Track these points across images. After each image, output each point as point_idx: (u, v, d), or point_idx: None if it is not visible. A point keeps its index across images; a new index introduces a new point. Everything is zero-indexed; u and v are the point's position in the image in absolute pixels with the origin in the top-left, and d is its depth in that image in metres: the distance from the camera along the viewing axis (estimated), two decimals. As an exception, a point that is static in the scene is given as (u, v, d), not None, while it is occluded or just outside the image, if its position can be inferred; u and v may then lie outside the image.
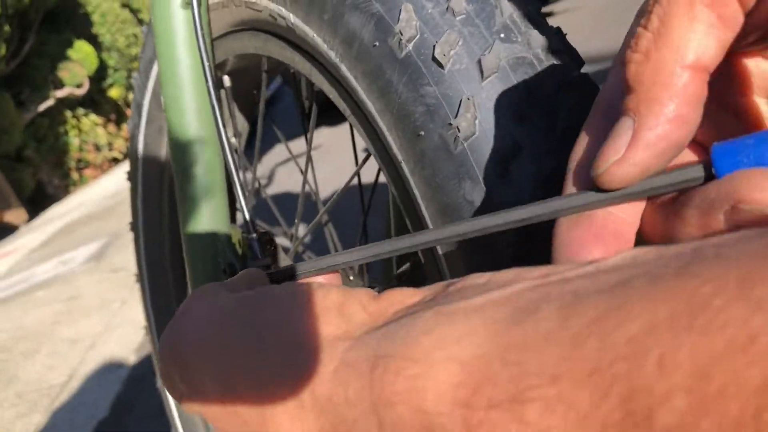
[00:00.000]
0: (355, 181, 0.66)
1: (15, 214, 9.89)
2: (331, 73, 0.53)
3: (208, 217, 0.62)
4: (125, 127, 14.93)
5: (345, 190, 0.62)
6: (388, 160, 0.49)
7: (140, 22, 15.75)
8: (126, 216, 5.46)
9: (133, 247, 0.98)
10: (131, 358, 2.37)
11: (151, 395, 2.01)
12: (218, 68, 0.69)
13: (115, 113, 14.68)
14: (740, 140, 0.21)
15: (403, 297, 0.22)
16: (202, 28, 0.55)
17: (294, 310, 0.22)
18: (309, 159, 0.63)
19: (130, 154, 0.91)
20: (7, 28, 9.48)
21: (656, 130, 0.21)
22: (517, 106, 0.39)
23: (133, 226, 0.97)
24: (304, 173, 0.67)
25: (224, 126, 0.57)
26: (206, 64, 0.56)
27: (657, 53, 0.21)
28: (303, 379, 0.20)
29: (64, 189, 11.98)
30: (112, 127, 14.27)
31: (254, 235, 0.56)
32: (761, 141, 0.20)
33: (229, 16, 0.62)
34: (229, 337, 0.23)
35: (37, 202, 10.96)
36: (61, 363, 2.60)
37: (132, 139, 0.89)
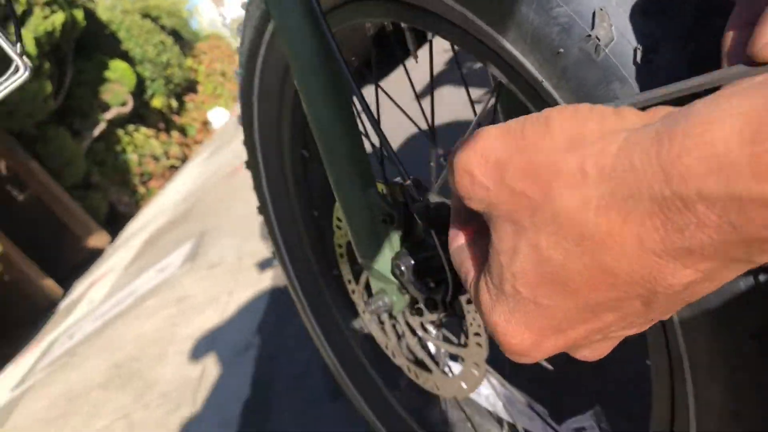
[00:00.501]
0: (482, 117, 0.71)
1: (98, 239, 10.36)
2: (453, 22, 0.58)
3: (357, 177, 0.69)
4: (175, 135, 15.31)
5: (473, 128, 0.67)
6: (523, 83, 0.54)
7: (162, 28, 15.95)
8: (205, 216, 5.67)
9: (267, 229, 1.06)
10: (255, 341, 2.51)
11: (286, 369, 2.15)
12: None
13: (162, 122, 15.05)
14: None
15: (667, 109, 0.27)
16: (322, 14, 0.61)
17: (577, 112, 0.28)
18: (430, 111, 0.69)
19: (248, 144, 0.99)
20: (47, 65, 9.80)
21: None
22: (646, 3, 0.44)
23: (262, 209, 1.05)
24: (431, 120, 0.73)
25: (359, 92, 0.64)
26: (330, 38, 0.62)
27: None
28: (589, 155, 0.25)
29: (134, 204, 12.44)
30: (163, 136, 14.65)
31: (409, 182, 0.63)
32: None
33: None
34: (520, 135, 0.28)
35: (113, 223, 11.45)
36: (190, 359, 2.78)
37: (246, 129, 0.97)
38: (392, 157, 0.65)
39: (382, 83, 0.75)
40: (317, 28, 0.63)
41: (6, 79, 0.69)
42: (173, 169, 14.20)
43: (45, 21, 9.63)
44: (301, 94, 0.66)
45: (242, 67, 0.90)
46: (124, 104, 12.82)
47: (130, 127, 13.40)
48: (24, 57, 0.69)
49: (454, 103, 2.68)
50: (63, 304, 7.82)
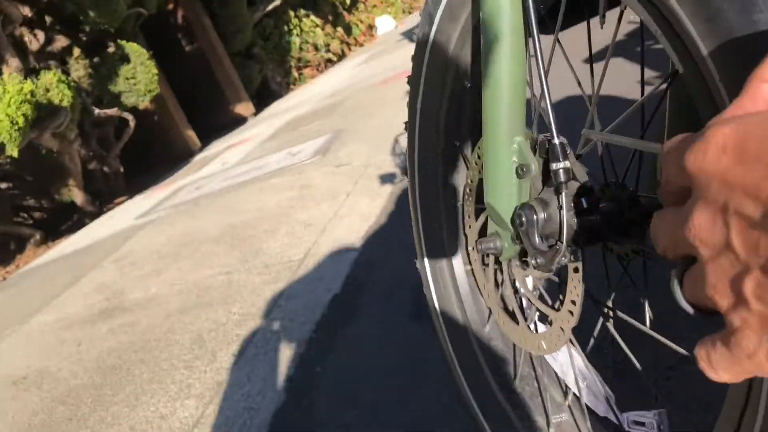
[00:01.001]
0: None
1: (244, 107, 10.89)
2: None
3: (508, 120, 0.71)
4: (341, 30, 15.53)
5: (635, 108, 0.68)
6: (698, 80, 0.54)
7: None
8: (346, 116, 5.82)
9: (407, 146, 1.11)
10: (359, 244, 2.63)
11: (379, 279, 2.25)
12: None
13: (332, 14, 15.28)
14: None
15: None
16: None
17: None
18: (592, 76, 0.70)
19: (415, 59, 1.02)
20: (244, -70, 10.11)
21: None
22: None
23: (409, 126, 1.10)
24: (593, 97, 0.74)
25: (538, 40, 0.65)
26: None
27: None
28: None
29: (285, 86, 12.88)
30: (329, 28, 14.91)
31: (556, 141, 0.65)
32: None
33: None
34: None
35: (262, 97, 11.95)
36: (298, 242, 2.95)
37: (419, 45, 1.00)
38: (548, 112, 0.67)
39: (564, 38, 0.76)
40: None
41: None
42: (330, 63, 14.50)
43: None
44: (482, 26, 0.69)
45: (432, -15, 0.93)
46: (303, -13, 13.10)
47: (302, 12, 13.72)
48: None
49: (625, 77, 2.58)
50: (198, 157, 8.38)
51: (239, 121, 10.61)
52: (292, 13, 13.36)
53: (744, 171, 0.26)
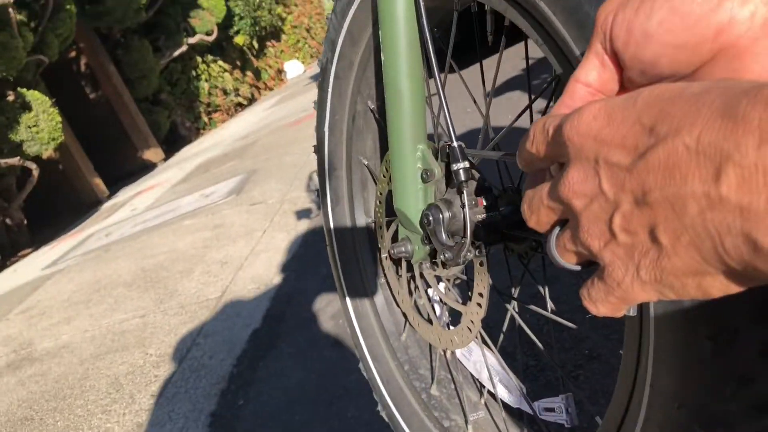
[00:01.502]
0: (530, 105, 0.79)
1: (153, 153, 10.67)
2: (527, 9, 0.65)
3: (411, 130, 0.77)
4: (250, 74, 15.56)
5: (520, 115, 0.75)
6: (570, 69, 0.61)
7: (264, -31, 16.13)
8: (258, 156, 5.82)
9: (317, 168, 1.16)
10: (277, 278, 2.63)
11: (298, 310, 2.27)
12: None
13: (240, 60, 15.31)
14: None
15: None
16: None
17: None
18: (490, 92, 0.77)
19: (321, 84, 1.08)
20: (147, -23, 10.06)
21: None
22: None
23: (318, 150, 1.14)
24: (486, 103, 0.81)
25: (433, 52, 0.72)
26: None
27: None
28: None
29: (195, 131, 12.73)
30: (237, 73, 14.91)
31: (456, 144, 0.71)
32: None
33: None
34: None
35: (171, 143, 11.76)
36: (214, 281, 2.92)
37: (323, 72, 1.06)
38: (446, 119, 0.73)
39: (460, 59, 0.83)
40: (411, -8, 0.72)
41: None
42: (240, 107, 14.47)
43: (156, -65, 9.86)
44: (382, 46, 0.75)
45: (335, 13, 0.99)
46: (209, 33, 13.08)
47: (209, 57, 13.68)
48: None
49: (515, 86, 2.73)
50: (106, 205, 8.12)
51: (148, 167, 10.38)
52: (199, 59, 13.30)
53: (611, 130, 0.32)
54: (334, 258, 1.21)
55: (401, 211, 0.81)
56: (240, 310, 2.49)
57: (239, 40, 15.23)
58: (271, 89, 16.77)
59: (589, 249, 0.34)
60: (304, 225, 3.23)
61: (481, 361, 1.00)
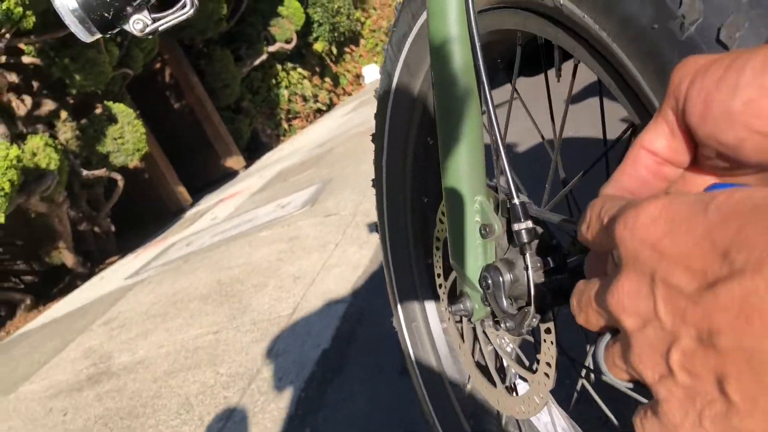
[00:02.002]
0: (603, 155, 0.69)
1: (235, 161, 10.93)
2: (600, 51, 0.56)
3: (468, 180, 0.69)
4: (328, 80, 15.73)
5: (594, 165, 0.66)
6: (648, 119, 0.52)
7: (343, -25, 16.29)
8: (334, 165, 5.84)
9: (376, 203, 1.09)
10: (348, 296, 2.59)
11: (368, 330, 2.21)
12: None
13: (319, 66, 15.50)
14: None
15: None
16: (473, 7, 0.61)
17: None
18: (556, 134, 0.68)
19: (378, 117, 1.01)
20: (228, -11, 10.32)
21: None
22: None
23: (376, 183, 1.08)
24: (555, 148, 0.72)
25: (491, 99, 0.64)
26: (475, 38, 0.63)
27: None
28: None
29: (275, 138, 12.97)
30: (316, 80, 15.09)
31: (517, 201, 0.63)
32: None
33: (492, -5, 0.68)
34: None
35: (252, 150, 12.01)
36: (286, 296, 2.91)
37: (380, 103, 0.99)
38: (507, 171, 0.64)
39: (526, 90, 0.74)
40: (465, 28, 0.64)
41: (172, 12, 0.74)
42: (319, 113, 14.63)
43: (236, -53, 10.11)
44: (435, 88, 0.67)
45: (391, 44, 0.92)
46: (288, 41, 13.29)
47: (289, 65, 13.90)
48: (194, -4, 0.73)
49: (589, 129, 2.58)
50: (189, 213, 8.36)
51: (230, 174, 10.64)
52: (279, 67, 13.53)
53: (673, 241, 0.26)
54: (393, 295, 1.14)
55: (457, 267, 0.73)
56: (310, 328, 2.46)
57: (318, 46, 15.41)
58: (349, 94, 16.90)
59: (641, 377, 0.28)
60: (375, 238, 3.17)
61: (551, 422, 0.90)
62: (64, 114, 6.69)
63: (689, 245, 0.25)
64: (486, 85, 0.64)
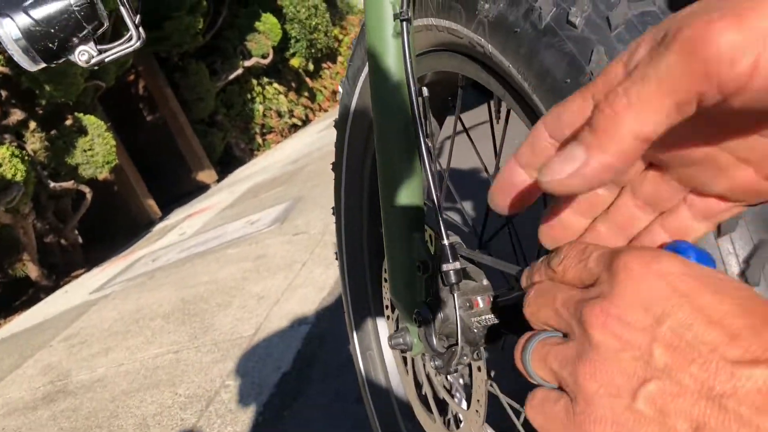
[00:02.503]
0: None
1: (207, 175, 10.86)
2: (524, 100, 0.58)
3: (406, 217, 0.70)
4: (305, 96, 15.74)
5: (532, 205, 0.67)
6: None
7: (321, -8, 16.37)
8: (306, 182, 5.83)
9: (335, 230, 1.10)
10: (311, 317, 2.58)
11: (329, 353, 2.20)
12: (418, 81, 0.77)
13: (295, 82, 15.51)
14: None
15: None
16: (410, 55, 0.62)
17: None
18: (497, 167, 0.69)
19: (337, 148, 1.02)
20: (204, 3, 10.31)
21: (596, 172, 0.28)
22: None
23: (336, 211, 1.08)
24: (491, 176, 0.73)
25: (426, 139, 0.65)
26: (412, 83, 0.64)
27: (624, 118, 0.26)
28: None
29: (249, 152, 12.92)
30: (292, 95, 15.10)
31: (446, 241, 0.64)
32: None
33: (432, 38, 0.69)
34: None
35: (225, 164, 11.95)
36: (249, 316, 2.89)
37: (339, 133, 1.00)
38: (438, 212, 0.65)
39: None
40: (401, 65, 0.65)
41: (119, 44, 0.74)
42: (294, 128, 14.62)
43: (214, -38, 10.12)
44: (375, 124, 0.68)
45: (347, 78, 0.93)
46: (265, 56, 13.29)
47: (265, 79, 13.89)
48: (140, 28, 0.74)
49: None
50: (158, 227, 8.27)
51: (202, 188, 10.56)
52: (255, 82, 13.51)
53: (711, 300, 0.28)
54: (351, 327, 1.14)
55: (395, 301, 0.74)
56: (272, 350, 2.44)
57: (295, 62, 15.42)
58: (326, 111, 16.92)
59: (578, 386, 0.30)
60: (342, 259, 3.17)
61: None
62: (32, 124, 6.60)
63: (724, 307, 0.27)
64: (422, 123, 0.65)
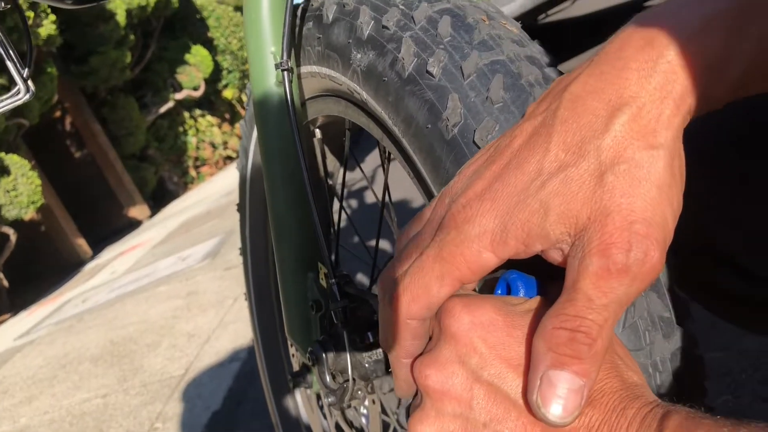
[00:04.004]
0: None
1: (139, 210, 10.62)
2: (397, 142, 0.61)
3: (298, 257, 0.72)
4: (238, 126, 15.65)
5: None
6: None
7: (251, 24, 16.34)
8: (237, 216, 5.78)
9: (243, 271, 1.10)
10: (242, 354, 2.55)
11: (259, 390, 2.18)
12: (311, 123, 0.79)
13: (229, 113, 15.40)
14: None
15: None
16: (292, 102, 0.64)
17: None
18: (383, 202, 0.72)
19: (240, 189, 1.03)
20: (132, 37, 10.17)
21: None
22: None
23: (242, 252, 1.09)
24: (380, 209, 0.76)
25: (310, 179, 0.67)
26: (294, 127, 0.66)
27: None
28: None
29: (183, 185, 12.71)
30: (226, 127, 14.97)
31: (333, 281, 0.65)
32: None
33: (317, 84, 0.71)
34: None
35: (158, 198, 11.72)
36: (180, 356, 2.83)
37: (241, 177, 1.01)
38: (323, 249, 0.67)
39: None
40: (286, 113, 0.67)
41: (8, 97, 0.74)
42: (229, 159, 14.48)
43: (141, -4, 10.02)
44: (263, 169, 0.70)
45: (245, 121, 0.94)
46: (196, 89, 13.17)
47: (197, 112, 13.75)
48: (29, 81, 0.73)
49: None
50: (88, 266, 8.03)
51: (134, 224, 10.32)
52: (187, 114, 13.35)
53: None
54: (262, 367, 1.14)
55: (292, 340, 0.75)
56: (202, 390, 2.40)
57: (228, 93, 15.32)
58: (260, 141, 16.83)
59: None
60: (274, 292, 3.15)
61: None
62: (-50, 166, 6.35)
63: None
64: (306, 165, 0.67)
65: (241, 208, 1.05)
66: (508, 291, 0.36)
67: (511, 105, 0.48)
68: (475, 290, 0.39)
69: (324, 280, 0.72)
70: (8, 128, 6.84)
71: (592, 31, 5.55)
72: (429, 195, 0.57)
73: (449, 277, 0.34)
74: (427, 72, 0.53)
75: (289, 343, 0.91)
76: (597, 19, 6.25)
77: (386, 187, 0.72)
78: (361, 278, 2.10)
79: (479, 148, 0.47)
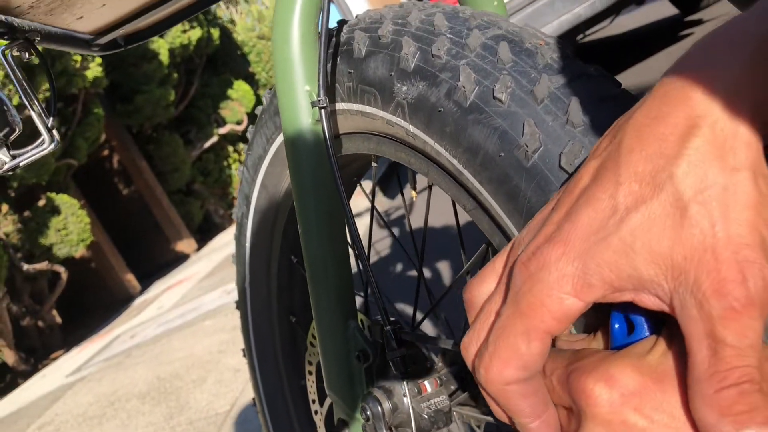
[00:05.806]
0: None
1: (186, 244, 10.77)
2: (451, 174, 0.56)
3: (339, 307, 0.66)
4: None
5: (459, 279, 0.64)
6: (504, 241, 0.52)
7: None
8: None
9: (241, 327, 1.05)
10: (288, 390, 2.50)
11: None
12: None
13: (270, 145, 15.62)
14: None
15: None
16: (331, 141, 0.60)
17: None
18: (422, 253, 0.66)
19: (237, 240, 0.98)
20: (175, 75, 10.42)
21: None
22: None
23: (240, 306, 1.04)
24: (419, 263, 0.70)
25: (353, 226, 0.62)
26: (335, 167, 0.61)
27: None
28: None
29: (228, 218, 12.87)
30: (268, 159, 15.18)
31: (389, 327, 0.60)
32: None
33: (346, 122, 0.67)
34: None
35: (204, 231, 11.87)
36: (225, 391, 2.81)
37: (239, 226, 0.97)
38: (376, 296, 0.62)
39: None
40: (323, 153, 0.62)
41: (33, 148, 0.71)
42: (271, 191, 14.64)
43: (182, 35, 10.27)
44: (298, 214, 0.65)
45: (247, 167, 0.90)
46: (239, 123, 13.39)
47: (240, 145, 13.96)
48: (53, 131, 0.71)
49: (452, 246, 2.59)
50: (137, 301, 8.14)
51: (181, 258, 10.46)
52: (231, 148, 13.57)
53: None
54: (267, 427, 1.09)
55: (334, 394, 0.70)
56: (247, 426, 2.36)
57: (269, 126, 15.55)
58: (302, 172, 17.01)
59: None
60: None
61: None
62: (5, 207, 6.53)
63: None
64: (347, 206, 0.62)
65: (239, 261, 1.00)
66: (629, 328, 0.32)
67: (591, 128, 0.44)
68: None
69: (367, 326, 0.67)
70: (58, 169, 7.02)
71: (632, 49, 5.47)
72: (498, 226, 0.52)
73: (535, 331, 0.31)
74: (495, 98, 0.49)
75: (311, 399, 0.85)
76: (636, 36, 6.16)
77: (426, 223, 0.67)
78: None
79: (567, 173, 0.43)
